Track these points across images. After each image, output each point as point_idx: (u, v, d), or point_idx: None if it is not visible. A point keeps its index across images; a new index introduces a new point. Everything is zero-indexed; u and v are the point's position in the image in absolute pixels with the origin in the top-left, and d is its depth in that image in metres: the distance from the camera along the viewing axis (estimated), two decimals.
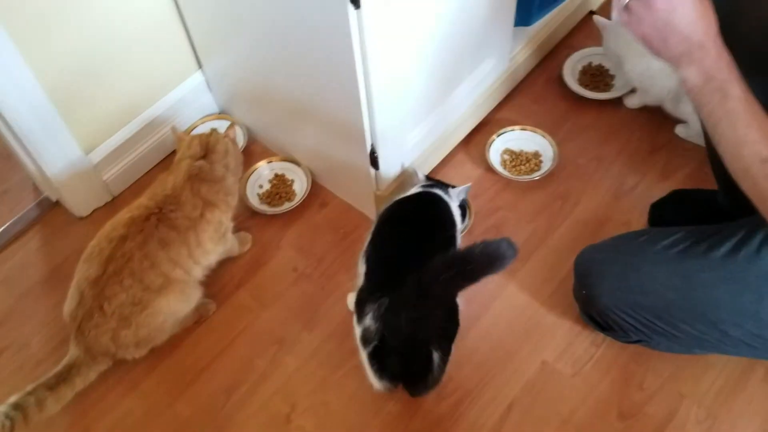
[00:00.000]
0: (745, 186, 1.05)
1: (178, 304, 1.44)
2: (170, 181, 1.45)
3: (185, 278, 1.44)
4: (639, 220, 1.60)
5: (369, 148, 1.45)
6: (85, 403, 1.45)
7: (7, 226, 1.76)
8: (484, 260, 1.14)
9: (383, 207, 1.48)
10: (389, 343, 1.22)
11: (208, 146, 1.50)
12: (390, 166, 1.54)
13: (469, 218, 1.62)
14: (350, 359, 1.44)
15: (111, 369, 1.43)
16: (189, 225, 1.42)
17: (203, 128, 1.82)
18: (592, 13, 1.99)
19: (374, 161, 1.48)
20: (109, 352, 1.40)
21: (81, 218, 1.76)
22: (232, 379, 1.47)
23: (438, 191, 1.46)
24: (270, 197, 1.73)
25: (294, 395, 1.44)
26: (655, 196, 1.60)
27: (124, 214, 1.41)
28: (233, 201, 1.54)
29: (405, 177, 1.59)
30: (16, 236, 1.75)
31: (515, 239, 1.59)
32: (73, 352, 1.40)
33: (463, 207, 1.55)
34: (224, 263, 1.59)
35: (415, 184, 1.53)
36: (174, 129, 1.57)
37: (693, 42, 1.03)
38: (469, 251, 1.13)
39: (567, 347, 1.45)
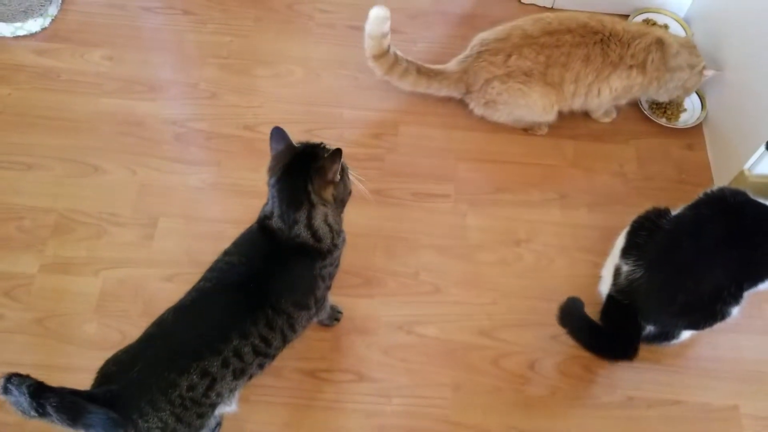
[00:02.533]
0: None
1: (541, 106, 1.60)
2: (638, 28, 1.60)
3: (567, 96, 1.60)
4: None
5: None
6: (415, 105, 1.72)
7: None
8: None
9: (733, 188, 1.44)
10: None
11: (689, 47, 1.62)
12: None
13: None
14: (598, 256, 1.48)
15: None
16: (615, 66, 1.56)
17: (659, 18, 1.90)
18: None
19: None
20: (472, 86, 1.63)
21: (519, 2, 1.95)
22: (509, 184, 1.63)
23: None
24: (658, 107, 1.76)
25: (536, 234, 1.57)
26: None
27: (583, 17, 1.59)
28: (654, 92, 1.65)
29: None
30: None
31: None
32: (452, 65, 1.65)
33: None
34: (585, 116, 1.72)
35: None
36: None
37: None
38: None
39: (767, 418, 1.37)
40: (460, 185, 1.62)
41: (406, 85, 1.68)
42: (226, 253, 1.16)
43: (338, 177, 1.11)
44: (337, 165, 1.09)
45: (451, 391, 1.37)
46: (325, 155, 1.11)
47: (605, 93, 1.59)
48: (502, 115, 1.65)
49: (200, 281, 1.12)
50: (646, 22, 1.89)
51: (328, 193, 1.12)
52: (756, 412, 1.38)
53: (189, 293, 1.11)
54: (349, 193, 1.19)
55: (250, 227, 1.18)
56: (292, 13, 1.88)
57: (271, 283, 1.10)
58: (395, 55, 1.65)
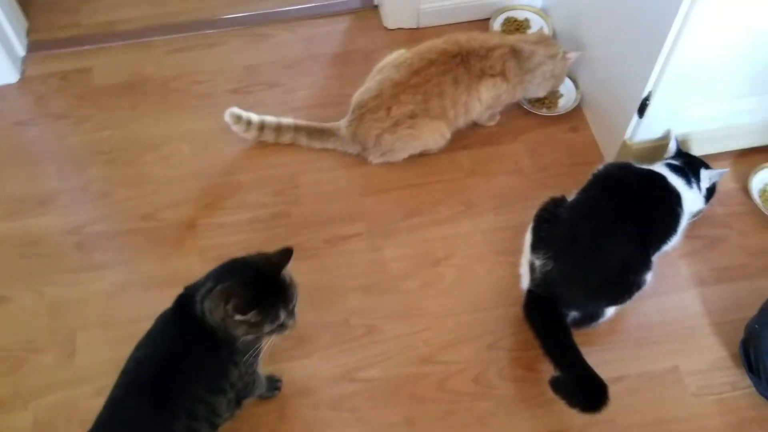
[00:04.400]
0: None
1: (433, 137, 1.65)
2: (493, 38, 1.66)
3: (451, 120, 1.65)
4: None
5: (645, 93, 1.48)
6: (307, 155, 1.73)
7: (332, 3, 2.07)
8: None
9: (616, 161, 1.51)
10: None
11: (543, 41, 1.68)
12: (653, 123, 1.56)
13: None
14: (514, 255, 1.53)
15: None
16: (480, 78, 1.61)
17: (520, 14, 1.98)
18: None
19: (642, 108, 1.51)
20: (366, 145, 1.66)
21: (385, 28, 2.00)
22: (416, 208, 1.66)
23: (677, 179, 1.46)
24: (537, 99, 1.82)
25: (453, 249, 1.59)
26: None
27: (439, 44, 1.64)
28: (522, 93, 1.72)
29: (662, 144, 1.59)
30: (333, 14, 2.05)
31: (723, 259, 1.58)
32: (341, 127, 1.69)
33: (712, 190, 1.54)
34: (473, 124, 1.76)
35: (665, 156, 1.54)
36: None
37: None
38: None
39: (706, 371, 1.43)
40: (370, 220, 1.64)
41: (302, 144, 1.72)
42: (137, 347, 1.14)
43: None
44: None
45: (406, 428, 1.37)
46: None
47: (479, 105, 1.64)
48: (400, 156, 1.69)
49: (113, 389, 1.10)
50: (508, 21, 1.96)
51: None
52: (695, 366, 1.44)
53: (104, 407, 1.09)
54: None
55: (164, 311, 1.17)
56: (167, 92, 1.87)
57: (181, 372, 1.08)
58: (277, 124, 1.69)
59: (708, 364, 1.44)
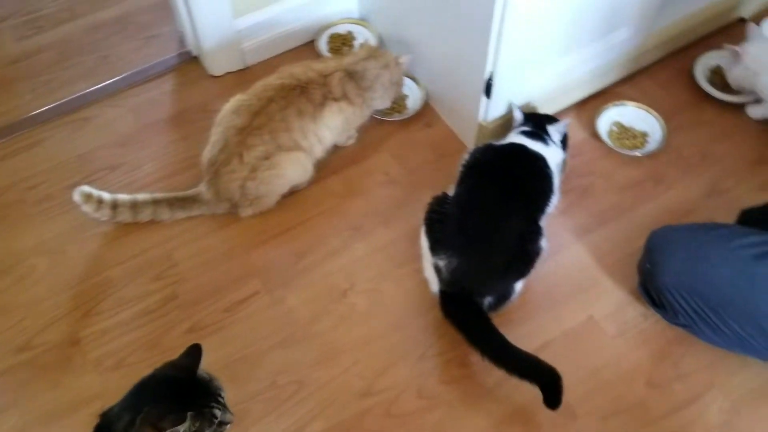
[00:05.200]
0: None
1: (296, 171, 1.61)
2: (327, 65, 1.64)
3: (308, 150, 1.61)
4: (723, 221, 1.61)
5: (487, 74, 1.53)
6: (174, 228, 1.63)
7: (149, 66, 1.96)
8: None
9: (478, 147, 1.57)
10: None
11: (373, 54, 1.68)
12: (501, 99, 1.62)
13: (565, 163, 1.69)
14: (415, 262, 1.54)
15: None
16: (323, 105, 1.59)
17: (341, 28, 1.97)
18: (742, 20, 1.97)
19: (488, 88, 1.57)
20: (232, 200, 1.59)
21: (213, 76, 1.93)
22: (306, 246, 1.61)
23: (535, 143, 1.54)
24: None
25: (355, 276, 1.57)
26: (747, 203, 1.61)
27: (275, 80, 1.60)
28: (370, 109, 1.72)
29: (510, 117, 1.66)
30: (154, 77, 1.94)
31: (596, 204, 1.68)
32: (203, 190, 1.60)
33: (564, 139, 1.62)
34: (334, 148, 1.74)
35: (515, 125, 1.61)
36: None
37: None
38: None
39: (616, 311, 1.51)
40: (263, 275, 1.57)
41: (165, 219, 1.62)
42: None
43: None
44: None
45: None
46: None
47: (329, 132, 1.63)
48: (270, 201, 1.63)
49: None
50: (333, 38, 1.96)
51: None
52: (606, 310, 1.52)
53: None
54: None
55: None
56: (1, 208, 1.69)
57: None
58: (132, 201, 1.58)
59: (616, 305, 1.52)
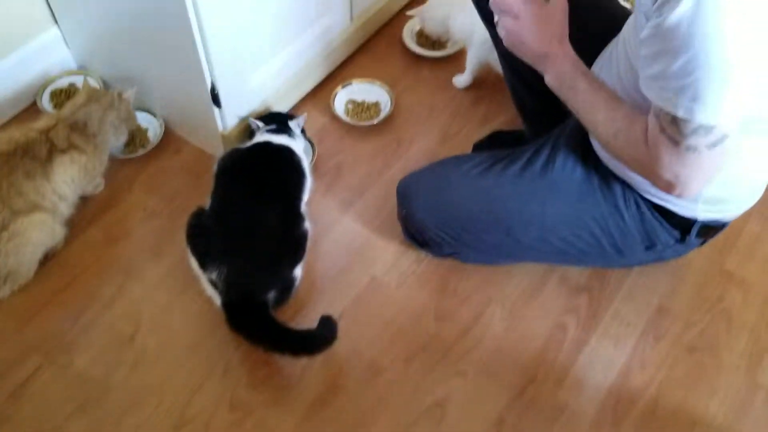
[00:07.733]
0: (611, 153, 1.26)
1: (43, 234, 1.52)
2: (46, 121, 1.58)
3: (52, 210, 1.53)
4: None
5: (209, 85, 1.57)
6: None
7: None
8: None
9: (223, 153, 1.61)
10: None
11: (92, 98, 1.63)
12: (233, 106, 1.67)
13: (314, 154, 1.77)
14: (195, 285, 1.53)
15: None
16: (51, 161, 1.52)
17: (62, 82, 1.91)
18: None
19: (215, 98, 1.60)
20: None
21: None
22: (80, 305, 1.54)
23: (280, 137, 1.61)
24: (126, 143, 1.80)
25: (139, 318, 1.53)
26: (476, 137, 1.81)
27: None
28: (106, 152, 1.67)
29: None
30: None
31: (352, 177, 1.79)
32: None
33: (305, 133, 1.72)
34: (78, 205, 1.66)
35: (258, 131, 1.66)
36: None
37: (540, 54, 1.23)
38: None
39: (393, 264, 1.62)
40: (42, 347, 1.47)
41: None
42: None
43: None
44: None
45: None
46: None
47: (66, 187, 1.56)
48: (25, 273, 1.53)
49: None
50: (55, 94, 1.88)
51: None
52: (385, 268, 1.61)
53: None
54: None
55: None
56: None
57: None
58: None
59: (392, 260, 1.63)
